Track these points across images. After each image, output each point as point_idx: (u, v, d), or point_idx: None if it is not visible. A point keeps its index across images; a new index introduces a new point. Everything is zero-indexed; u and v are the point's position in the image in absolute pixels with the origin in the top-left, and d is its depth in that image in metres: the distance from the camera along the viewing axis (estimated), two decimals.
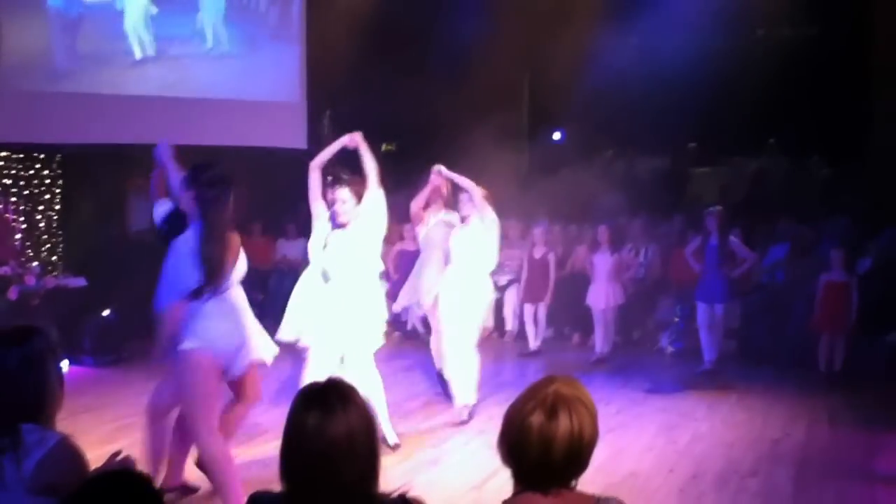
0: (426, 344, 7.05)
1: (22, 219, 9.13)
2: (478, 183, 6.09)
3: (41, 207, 9.37)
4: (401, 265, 8.77)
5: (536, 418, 1.91)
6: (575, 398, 1.95)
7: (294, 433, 1.92)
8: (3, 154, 9.01)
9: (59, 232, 9.55)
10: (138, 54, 9.71)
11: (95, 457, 2.44)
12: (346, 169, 5.28)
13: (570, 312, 9.13)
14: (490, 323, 8.73)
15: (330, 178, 5.19)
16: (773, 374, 7.64)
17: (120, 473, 1.94)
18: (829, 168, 12.74)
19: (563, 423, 1.90)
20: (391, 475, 4.45)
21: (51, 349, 2.42)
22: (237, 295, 4.16)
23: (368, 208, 5.15)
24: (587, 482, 2.01)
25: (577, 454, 1.92)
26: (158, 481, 4.33)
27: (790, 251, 8.52)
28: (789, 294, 8.28)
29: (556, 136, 14.80)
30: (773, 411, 6.49)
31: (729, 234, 7.70)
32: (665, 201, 11.29)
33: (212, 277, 3.93)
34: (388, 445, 5.23)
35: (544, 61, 13.05)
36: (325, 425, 1.88)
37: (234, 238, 4.08)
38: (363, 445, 1.91)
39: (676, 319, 8.72)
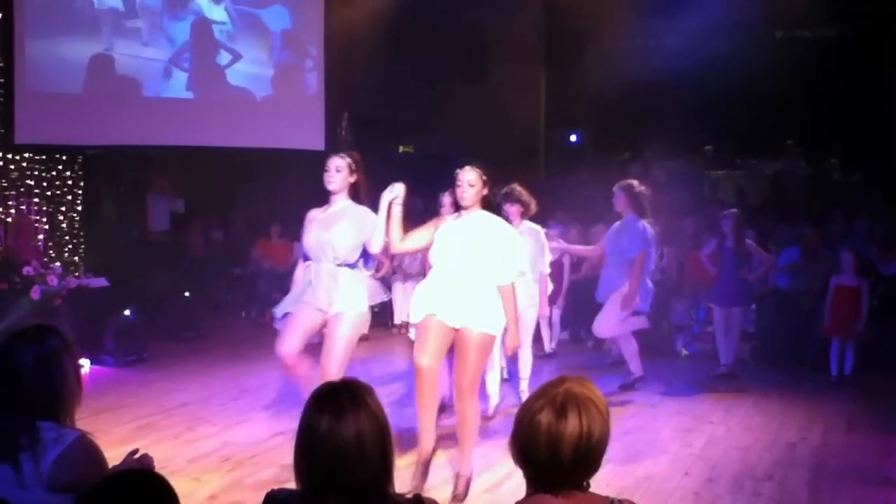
0: None
1: (44, 219, 9.24)
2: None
3: (63, 208, 9.46)
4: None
5: (545, 417, 1.89)
6: (586, 398, 1.92)
7: (306, 435, 1.94)
8: (26, 155, 9.11)
9: (81, 232, 9.63)
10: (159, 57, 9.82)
11: (115, 456, 2.47)
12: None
13: (585, 315, 9.09)
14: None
15: None
16: (789, 378, 7.58)
17: (136, 472, 1.97)
18: (848, 170, 12.66)
19: (572, 423, 1.87)
20: (404, 476, 4.48)
21: (66, 347, 2.42)
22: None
23: None
24: (602, 484, 2.01)
25: (586, 454, 1.89)
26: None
27: (801, 254, 8.46)
28: (801, 297, 8.23)
29: (573, 138, 14.81)
30: (789, 415, 6.46)
31: (745, 237, 7.67)
32: (682, 204, 11.26)
33: None
34: None
35: (561, 63, 13.06)
36: (334, 428, 1.90)
37: None
38: (374, 448, 1.92)
39: (693, 324, 8.69)
